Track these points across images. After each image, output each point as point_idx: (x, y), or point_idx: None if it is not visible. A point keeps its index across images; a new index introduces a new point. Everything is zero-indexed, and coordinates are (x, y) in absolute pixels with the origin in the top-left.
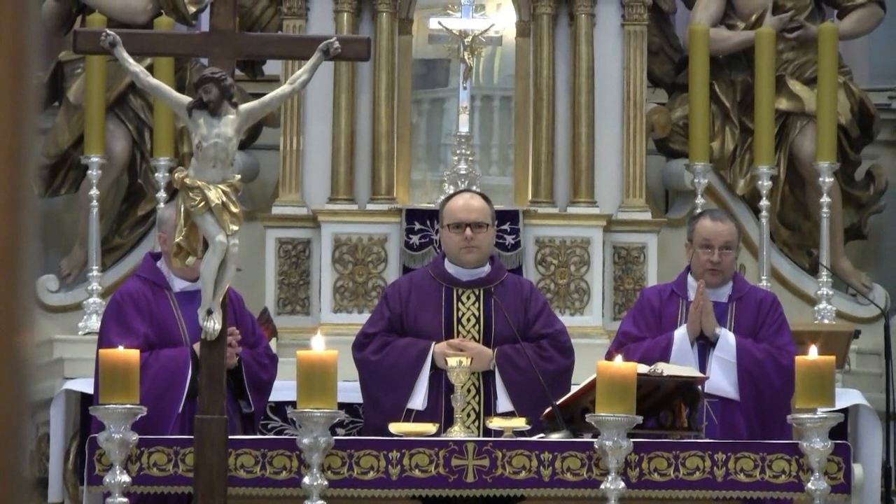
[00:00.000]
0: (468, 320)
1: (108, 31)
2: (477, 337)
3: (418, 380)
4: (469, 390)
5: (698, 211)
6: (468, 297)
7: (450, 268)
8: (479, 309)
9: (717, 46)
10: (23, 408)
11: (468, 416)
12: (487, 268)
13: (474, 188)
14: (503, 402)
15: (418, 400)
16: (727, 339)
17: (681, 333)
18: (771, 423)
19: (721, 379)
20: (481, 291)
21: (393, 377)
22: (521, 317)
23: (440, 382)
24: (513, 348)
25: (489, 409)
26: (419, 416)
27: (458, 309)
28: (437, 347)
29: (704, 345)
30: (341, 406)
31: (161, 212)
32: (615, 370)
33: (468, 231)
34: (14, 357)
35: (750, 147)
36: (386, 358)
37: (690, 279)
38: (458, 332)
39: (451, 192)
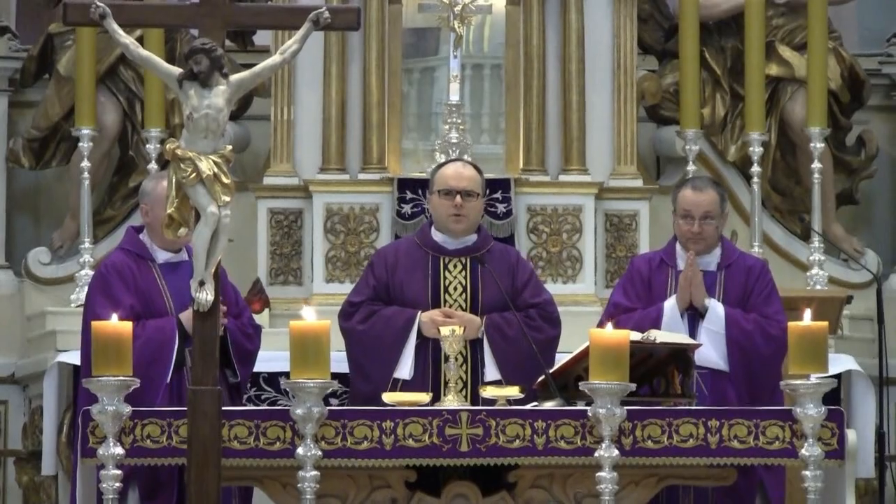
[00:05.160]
0: (455, 289)
1: (98, 3)
2: (464, 305)
3: (404, 349)
4: (456, 359)
5: (688, 178)
6: (455, 266)
7: (437, 236)
8: (465, 277)
9: (707, 13)
10: None
11: (455, 384)
12: (474, 236)
13: (466, 157)
14: (491, 371)
15: (405, 369)
16: (716, 310)
17: (670, 304)
18: (760, 393)
19: (710, 350)
20: (468, 260)
21: (379, 347)
22: (509, 286)
23: (427, 351)
24: (501, 317)
25: (477, 377)
26: (406, 386)
27: (444, 277)
28: (423, 316)
29: (694, 315)
30: (334, 376)
31: (144, 183)
32: (608, 338)
33: (458, 199)
34: None
35: (741, 113)
36: (372, 327)
37: (679, 248)
38: (445, 301)
39: (443, 160)
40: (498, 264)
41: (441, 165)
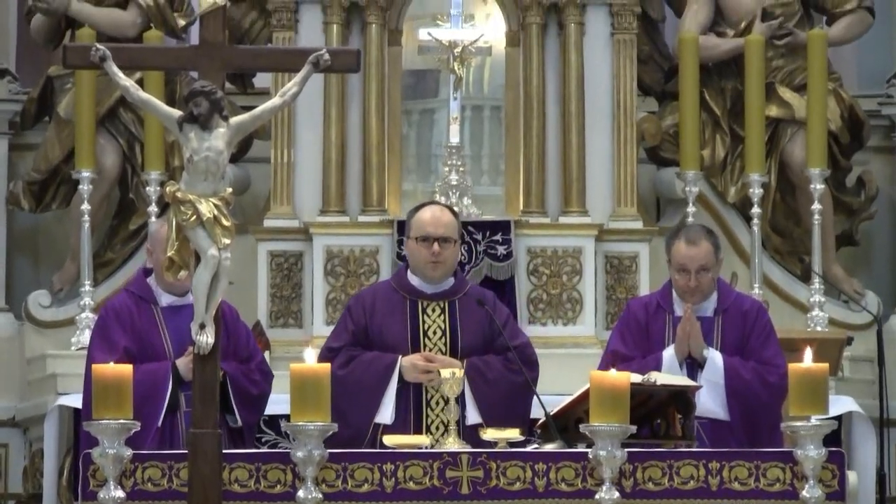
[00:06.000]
0: (434, 333)
1: (98, 46)
2: (443, 349)
3: (386, 394)
4: (437, 403)
5: (689, 222)
6: (433, 310)
7: (413, 280)
8: (444, 321)
9: (707, 54)
10: None
11: (437, 428)
12: (451, 280)
13: (442, 200)
14: (472, 415)
15: (386, 414)
16: (715, 360)
17: (669, 354)
18: (760, 439)
19: (710, 401)
20: (446, 303)
21: (360, 391)
22: (486, 328)
23: (408, 395)
24: (481, 360)
25: (459, 420)
26: (387, 430)
27: (423, 322)
28: (404, 361)
29: (692, 365)
30: None
31: (150, 226)
32: (609, 380)
33: (436, 246)
34: None
35: (741, 154)
36: (352, 373)
37: (675, 293)
38: (425, 345)
39: (418, 204)
40: (474, 307)
41: (417, 209)
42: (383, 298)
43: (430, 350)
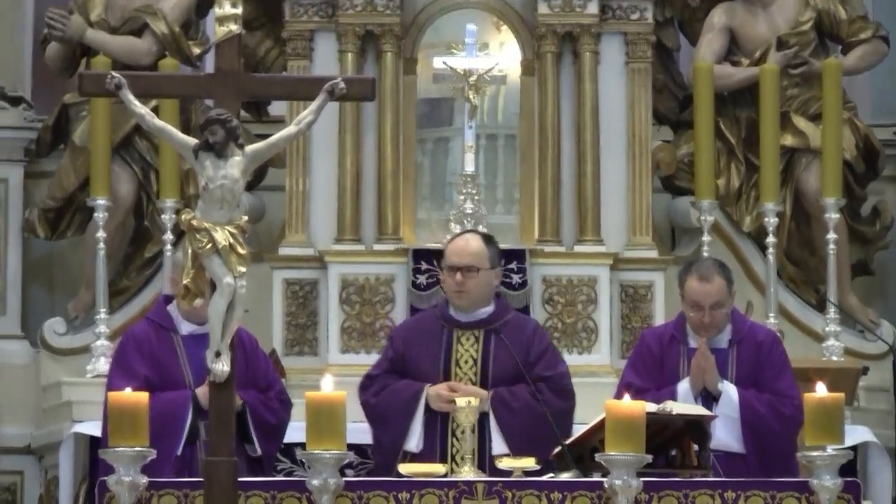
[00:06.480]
0: (465, 362)
1: (114, 74)
2: (474, 379)
3: (413, 422)
4: (463, 432)
5: (704, 251)
6: (467, 339)
7: (451, 309)
8: (477, 350)
9: (722, 83)
10: None
11: (462, 458)
12: (490, 308)
13: (480, 228)
14: (498, 445)
15: (413, 442)
16: (730, 394)
17: (684, 388)
18: (774, 473)
19: (726, 434)
20: (481, 333)
21: (389, 419)
22: (524, 358)
23: (436, 424)
24: (508, 391)
25: (485, 449)
26: (415, 458)
27: (456, 350)
28: (430, 390)
29: (707, 398)
30: (350, 447)
31: (174, 255)
32: (624, 409)
33: (458, 275)
34: None
35: (756, 184)
36: (382, 400)
37: (689, 325)
38: (455, 374)
39: (457, 231)
40: (513, 335)
41: (451, 239)
42: (424, 327)
43: (460, 379)
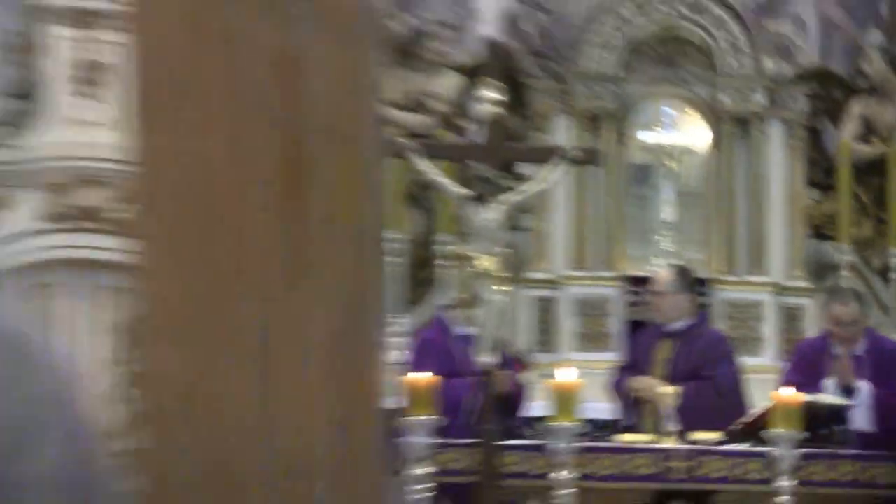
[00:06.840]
0: (661, 360)
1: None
2: (662, 375)
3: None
4: (651, 413)
5: (843, 282)
6: (665, 344)
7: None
8: (671, 353)
9: (858, 157)
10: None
11: (673, 431)
12: (687, 321)
13: (679, 261)
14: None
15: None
16: (864, 389)
17: (830, 384)
18: None
19: (861, 419)
20: (678, 340)
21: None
22: (702, 359)
23: (640, 407)
24: (687, 386)
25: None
26: (626, 430)
27: (658, 352)
28: (630, 381)
29: (847, 391)
30: (589, 421)
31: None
32: (786, 399)
33: (654, 298)
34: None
35: (882, 233)
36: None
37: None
38: (652, 371)
39: (660, 265)
40: (700, 343)
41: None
42: (648, 332)
43: (655, 374)
